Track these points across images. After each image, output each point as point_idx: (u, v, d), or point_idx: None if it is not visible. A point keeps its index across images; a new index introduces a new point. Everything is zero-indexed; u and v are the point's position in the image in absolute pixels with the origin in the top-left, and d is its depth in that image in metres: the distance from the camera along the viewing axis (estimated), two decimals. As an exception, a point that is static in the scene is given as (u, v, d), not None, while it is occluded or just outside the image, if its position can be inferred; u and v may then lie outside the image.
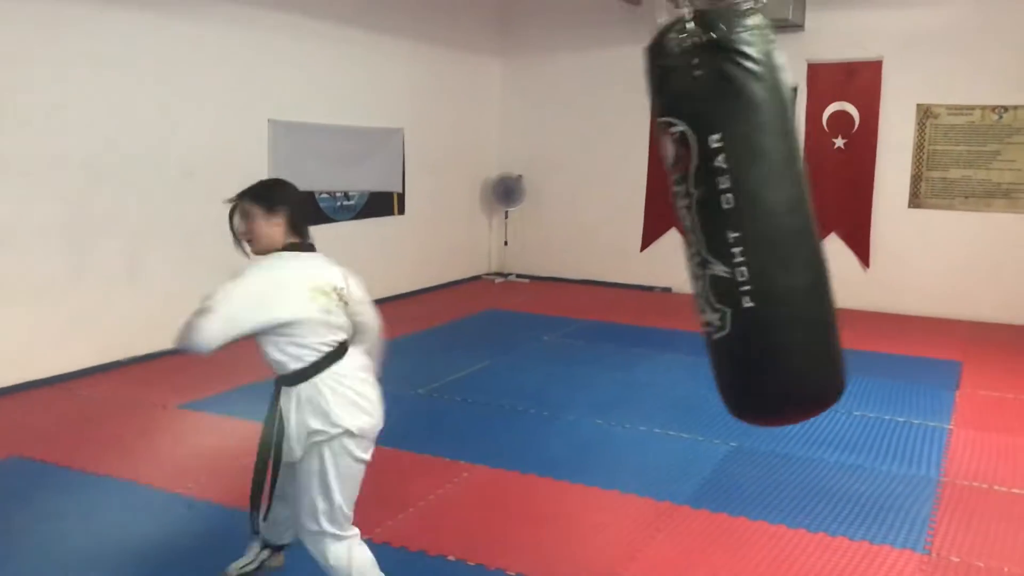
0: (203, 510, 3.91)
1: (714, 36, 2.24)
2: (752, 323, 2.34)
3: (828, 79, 8.88)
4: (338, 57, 8.02)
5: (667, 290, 9.87)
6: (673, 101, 2.33)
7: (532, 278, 10.47)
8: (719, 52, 2.25)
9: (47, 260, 5.66)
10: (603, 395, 5.80)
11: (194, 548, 3.53)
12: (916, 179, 8.68)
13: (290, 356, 2.70)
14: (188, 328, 2.52)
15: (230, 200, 2.85)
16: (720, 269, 2.31)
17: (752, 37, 2.28)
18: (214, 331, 2.52)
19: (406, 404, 5.33)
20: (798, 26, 8.72)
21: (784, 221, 2.39)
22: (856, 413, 5.46)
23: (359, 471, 2.80)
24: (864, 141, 8.78)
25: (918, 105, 8.57)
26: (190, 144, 6.57)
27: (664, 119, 2.35)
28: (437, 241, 9.63)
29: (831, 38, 8.76)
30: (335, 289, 2.80)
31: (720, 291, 2.34)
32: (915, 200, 8.71)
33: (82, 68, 5.78)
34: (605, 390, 5.91)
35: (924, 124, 8.58)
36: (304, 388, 2.70)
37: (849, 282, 8.98)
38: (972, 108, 8.38)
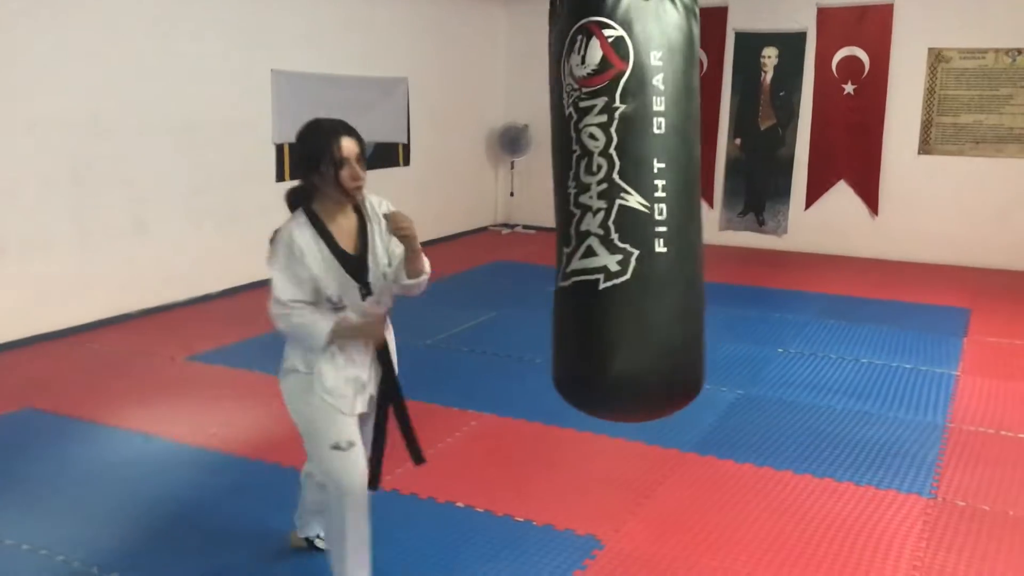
0: (212, 460, 3.95)
1: None
2: (659, 272, 2.00)
3: (838, 24, 8.73)
4: (341, 5, 7.91)
5: (674, 239, 9.82)
6: (615, 7, 2.02)
7: (538, 229, 10.44)
8: None
9: (54, 215, 5.66)
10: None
11: (205, 497, 3.57)
12: (926, 125, 8.57)
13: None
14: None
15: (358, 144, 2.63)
16: (635, 200, 1.97)
17: None
18: None
19: (413, 355, 5.34)
20: (808, -31, 8.57)
21: (695, 171, 2.12)
22: (863, 360, 5.46)
23: None
24: (874, 87, 8.66)
25: (929, 49, 8.43)
26: (193, 96, 6.52)
27: (596, 19, 2.01)
28: (443, 192, 9.58)
29: (842, -19, 8.62)
30: None
31: (629, 228, 1.97)
32: (925, 146, 8.62)
33: (82, 23, 5.71)
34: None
35: (935, 68, 8.45)
36: None
37: (857, 230, 8.95)
38: (984, 51, 8.24)
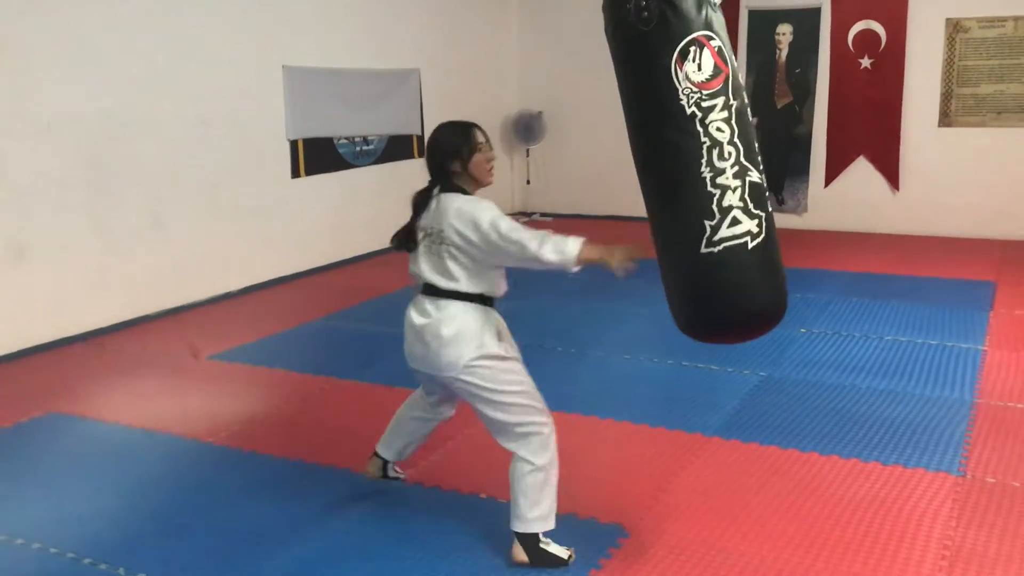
0: (236, 457, 3.96)
1: None
2: (772, 226, 2.59)
3: (853, -3, 8.63)
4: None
5: (693, 222, 9.76)
6: (710, 21, 2.50)
7: (556, 216, 10.40)
8: None
9: (71, 216, 5.68)
10: (630, 330, 5.77)
11: (229, 497, 3.58)
12: (946, 97, 8.45)
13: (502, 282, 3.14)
14: (552, 253, 2.87)
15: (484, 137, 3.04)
16: (756, 176, 2.51)
17: None
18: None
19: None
20: (821, -57, 8.47)
21: None
22: (888, 338, 5.40)
23: None
24: (891, 60, 8.55)
25: (947, 20, 8.30)
26: (206, 94, 6.52)
27: (704, 32, 2.48)
28: (459, 182, 9.55)
29: (855, -46, 8.49)
30: None
31: (757, 197, 2.51)
32: (945, 119, 8.49)
33: (94, 23, 5.72)
34: (632, 325, 5.88)
35: (954, 39, 8.32)
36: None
37: (878, 205, 8.85)
38: (1004, 20, 8.10)
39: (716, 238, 2.48)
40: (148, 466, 3.91)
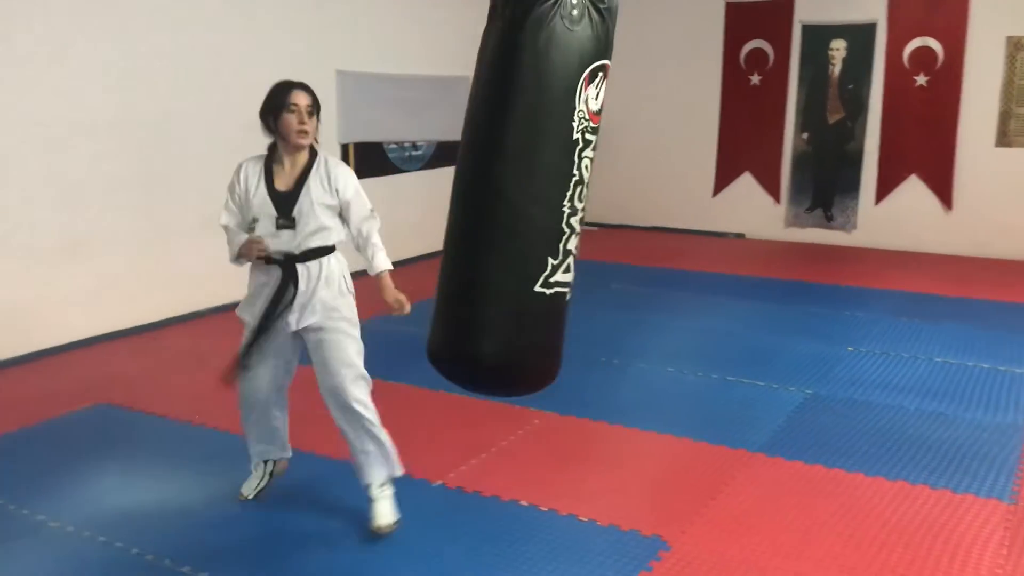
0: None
1: None
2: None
3: (910, 13, 8.50)
4: (403, 5, 7.96)
5: (740, 236, 9.68)
6: (609, 43, 2.14)
7: (601, 226, 10.37)
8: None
9: (122, 214, 5.80)
10: (675, 343, 5.74)
11: (282, 494, 3.61)
12: (1004, 116, 8.28)
13: (339, 230, 3.30)
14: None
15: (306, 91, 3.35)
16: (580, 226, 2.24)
17: None
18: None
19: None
20: (879, -42, 8.38)
21: None
22: (937, 359, 5.30)
23: None
24: (948, 78, 8.41)
25: (1008, 38, 8.15)
26: (260, 96, 6.58)
27: (609, 62, 2.14)
28: (505, 190, 9.57)
29: (914, -31, 8.38)
30: None
31: (575, 257, 2.22)
32: (1003, 139, 8.33)
33: (150, 24, 5.84)
34: (677, 338, 5.85)
35: (1014, 57, 8.16)
36: (336, 253, 3.31)
37: (930, 224, 8.70)
38: (1066, 39, 7.94)
39: (553, 280, 2.16)
40: (199, 461, 3.96)
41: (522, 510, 3.46)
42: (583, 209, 2.19)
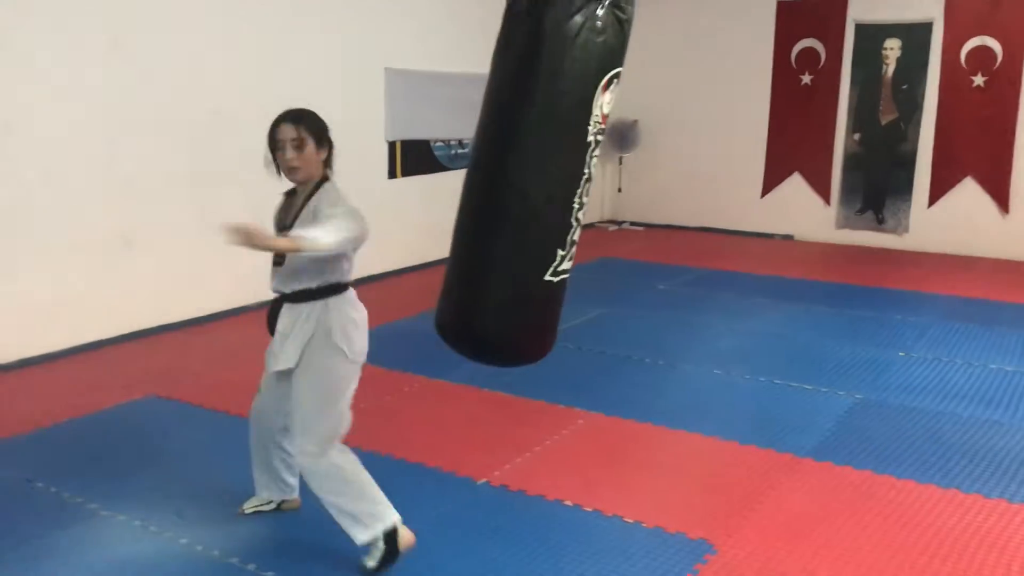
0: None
1: None
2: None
3: (968, 12, 8.32)
4: (451, 3, 7.98)
5: (788, 237, 9.57)
6: (625, 51, 2.31)
7: (647, 226, 10.32)
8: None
9: (177, 209, 5.89)
10: (722, 345, 5.68)
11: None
12: (1064, 118, 8.08)
13: (343, 270, 3.07)
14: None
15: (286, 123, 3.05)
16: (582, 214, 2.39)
17: None
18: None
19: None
20: (936, -45, 8.22)
21: None
22: (992, 366, 5.18)
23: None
24: (1007, 78, 8.21)
25: (1069, 37, 7.95)
26: (310, 93, 6.64)
27: (620, 69, 2.28)
28: (551, 189, 9.55)
29: (972, -33, 8.21)
30: None
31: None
32: (1063, 141, 8.12)
33: (205, 23, 5.93)
34: (724, 340, 5.79)
35: (1076, 58, 7.95)
36: (339, 300, 3.08)
37: (986, 228, 8.52)
38: None
39: (561, 268, 2.33)
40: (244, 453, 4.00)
41: (566, 510, 3.45)
42: (585, 208, 2.36)
